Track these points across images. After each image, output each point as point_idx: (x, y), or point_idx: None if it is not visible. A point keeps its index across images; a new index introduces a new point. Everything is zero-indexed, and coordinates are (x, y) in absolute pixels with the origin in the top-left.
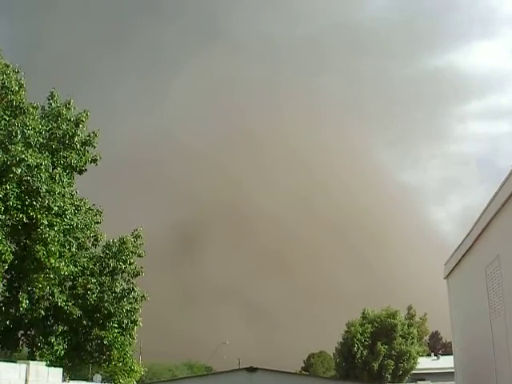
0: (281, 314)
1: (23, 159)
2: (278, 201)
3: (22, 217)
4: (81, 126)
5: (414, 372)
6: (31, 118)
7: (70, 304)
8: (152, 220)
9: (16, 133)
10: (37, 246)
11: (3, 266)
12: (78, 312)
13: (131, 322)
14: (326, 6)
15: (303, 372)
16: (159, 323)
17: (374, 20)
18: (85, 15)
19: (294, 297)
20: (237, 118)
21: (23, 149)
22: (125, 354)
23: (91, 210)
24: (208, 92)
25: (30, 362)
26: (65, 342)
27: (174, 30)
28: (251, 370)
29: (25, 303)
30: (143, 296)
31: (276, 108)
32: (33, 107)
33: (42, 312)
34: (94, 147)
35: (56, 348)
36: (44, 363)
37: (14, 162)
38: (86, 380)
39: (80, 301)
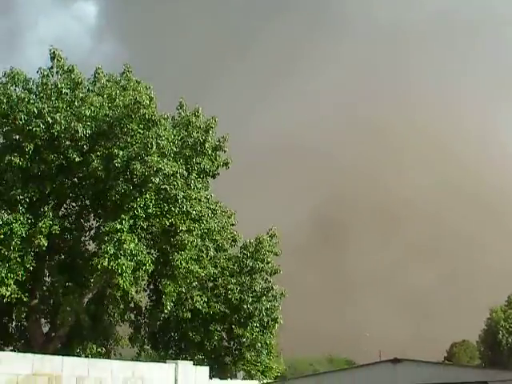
0: (427, 303)
1: (160, 169)
2: (423, 189)
3: (162, 223)
4: (210, 132)
5: None
6: (163, 128)
7: (211, 304)
8: (288, 217)
9: (151, 144)
10: (175, 254)
11: (144, 276)
12: (220, 312)
13: (272, 320)
14: None
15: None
16: (299, 318)
17: None
18: (207, 23)
19: (442, 286)
20: (367, 108)
21: (159, 159)
22: (260, 355)
23: (226, 212)
24: (335, 81)
25: (179, 361)
26: (212, 341)
27: (295, 24)
28: (395, 361)
29: (169, 305)
30: (282, 293)
31: (407, 95)
32: (164, 118)
33: (186, 314)
34: (225, 151)
35: (204, 347)
36: (191, 362)
37: (152, 172)
38: (230, 378)
39: (222, 300)
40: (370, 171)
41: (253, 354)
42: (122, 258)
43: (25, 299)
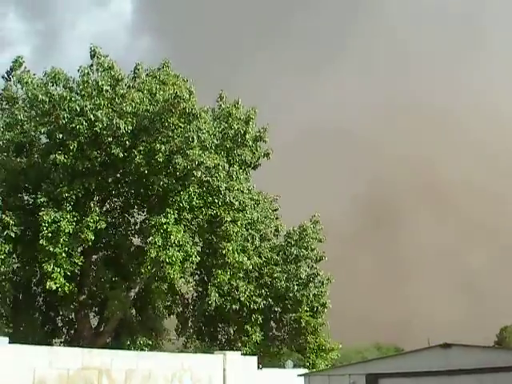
0: (479, 286)
1: (202, 162)
2: (476, 170)
3: (207, 214)
4: (251, 123)
5: None
6: (204, 121)
7: (256, 295)
8: (334, 203)
9: (192, 138)
10: (222, 243)
11: (192, 267)
12: (266, 301)
13: (320, 306)
14: None
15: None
16: (347, 305)
17: None
18: (242, 13)
19: (494, 269)
20: (424, 94)
21: (200, 152)
22: (317, 334)
23: (268, 201)
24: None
25: (226, 352)
26: (260, 331)
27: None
28: (446, 346)
29: (214, 297)
30: (328, 279)
31: (457, 79)
32: (204, 111)
33: (232, 305)
34: (265, 142)
35: (252, 337)
36: (239, 353)
37: (194, 165)
38: (279, 367)
39: (268, 290)
40: (420, 154)
41: (310, 336)
42: (171, 248)
43: (73, 293)
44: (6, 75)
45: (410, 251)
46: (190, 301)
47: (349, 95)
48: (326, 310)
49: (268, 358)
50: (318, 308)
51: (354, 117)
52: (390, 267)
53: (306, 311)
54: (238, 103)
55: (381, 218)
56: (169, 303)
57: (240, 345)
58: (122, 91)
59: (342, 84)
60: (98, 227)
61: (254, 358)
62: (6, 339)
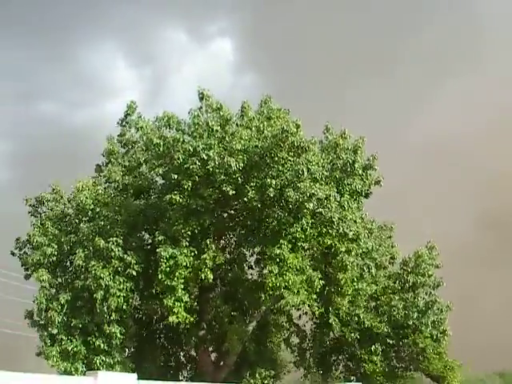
0: None
1: (313, 194)
2: None
3: (321, 243)
4: (359, 152)
5: None
6: (312, 154)
7: (376, 323)
8: (453, 226)
9: (302, 171)
10: (338, 274)
11: (314, 293)
12: (386, 329)
13: (440, 333)
14: None
15: None
16: (468, 332)
17: None
18: (341, 44)
19: None
20: None
21: (311, 184)
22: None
23: (382, 229)
24: None
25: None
26: (380, 360)
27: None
28: None
29: (336, 325)
30: (448, 306)
31: None
32: (311, 143)
33: (353, 334)
34: (375, 170)
35: (369, 367)
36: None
37: (305, 197)
38: None
39: (386, 318)
40: None
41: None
42: (288, 273)
43: (193, 328)
44: (120, 121)
45: None
46: (308, 332)
47: (460, 112)
48: (446, 338)
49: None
50: (437, 336)
51: (468, 135)
52: None
53: (426, 338)
54: (344, 133)
55: (505, 236)
56: (287, 335)
57: (359, 375)
58: (231, 130)
59: (452, 100)
60: (217, 262)
61: None
62: (135, 375)
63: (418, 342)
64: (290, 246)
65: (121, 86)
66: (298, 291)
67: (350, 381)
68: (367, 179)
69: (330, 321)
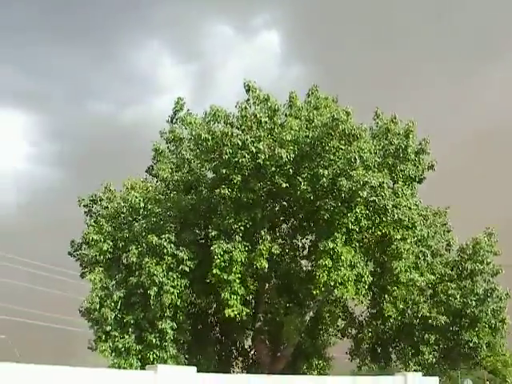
0: None
1: (366, 182)
2: None
3: (375, 234)
4: (411, 136)
5: None
6: (363, 141)
7: (434, 312)
8: (506, 210)
9: (354, 159)
10: (393, 262)
11: (364, 287)
12: (443, 319)
13: (499, 322)
14: None
15: None
16: None
17: None
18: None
19: None
20: None
21: (364, 172)
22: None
23: (438, 215)
24: None
25: (406, 373)
26: (434, 350)
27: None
28: None
29: (392, 313)
30: (507, 293)
31: None
32: (362, 130)
33: (413, 321)
34: (428, 154)
35: (426, 357)
36: (420, 374)
37: (359, 186)
38: None
39: (443, 307)
40: None
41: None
42: (342, 268)
43: (249, 320)
44: (169, 118)
45: None
46: (363, 323)
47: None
48: (505, 327)
49: (446, 377)
50: (496, 324)
51: None
52: None
53: (485, 327)
54: (395, 118)
55: None
56: (342, 326)
57: (412, 365)
58: (279, 121)
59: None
60: (273, 251)
61: (436, 379)
62: (194, 368)
63: (475, 334)
64: (343, 238)
65: (168, 83)
66: (347, 286)
67: (408, 371)
68: (420, 164)
69: (385, 310)
